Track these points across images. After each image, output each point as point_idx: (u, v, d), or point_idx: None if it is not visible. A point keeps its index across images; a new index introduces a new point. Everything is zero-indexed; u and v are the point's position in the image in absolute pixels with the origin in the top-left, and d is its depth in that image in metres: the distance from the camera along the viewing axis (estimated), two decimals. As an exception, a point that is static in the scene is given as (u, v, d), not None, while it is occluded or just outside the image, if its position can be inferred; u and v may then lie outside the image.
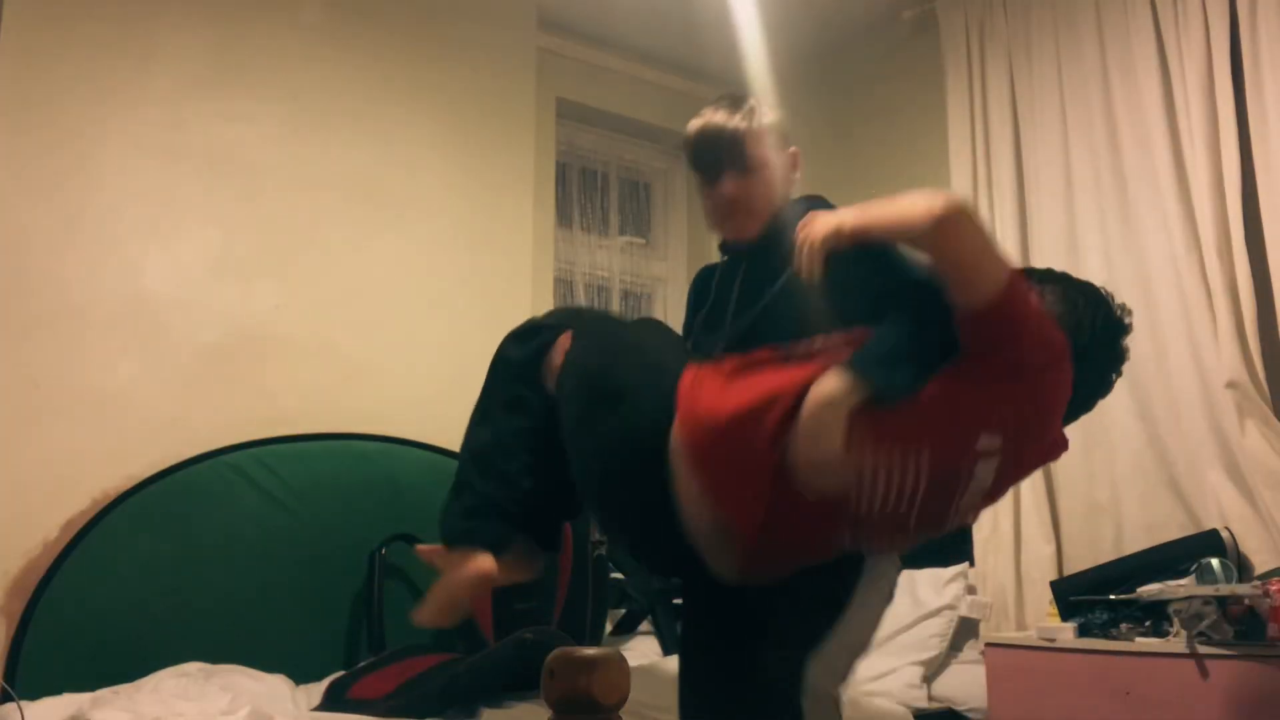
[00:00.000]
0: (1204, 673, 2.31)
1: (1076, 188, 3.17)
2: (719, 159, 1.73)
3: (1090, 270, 3.10)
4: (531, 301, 3.42)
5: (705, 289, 1.83)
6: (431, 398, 3.10)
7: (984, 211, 3.38)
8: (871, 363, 1.42)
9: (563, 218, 3.93)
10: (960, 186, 3.44)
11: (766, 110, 1.78)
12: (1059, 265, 3.11)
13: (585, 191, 4.10)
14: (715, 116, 1.76)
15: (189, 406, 2.75)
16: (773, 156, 1.74)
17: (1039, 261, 3.23)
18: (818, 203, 1.71)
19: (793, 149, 1.80)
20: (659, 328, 1.84)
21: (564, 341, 1.67)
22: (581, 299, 3.96)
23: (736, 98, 1.81)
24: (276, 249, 2.96)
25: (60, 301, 2.61)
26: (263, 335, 2.89)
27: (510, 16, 3.54)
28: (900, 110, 3.83)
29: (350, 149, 3.12)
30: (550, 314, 1.86)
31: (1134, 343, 3.18)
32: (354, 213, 3.10)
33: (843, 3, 3.77)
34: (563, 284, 3.92)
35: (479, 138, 3.39)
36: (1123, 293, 2.98)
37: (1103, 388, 1.65)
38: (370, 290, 3.10)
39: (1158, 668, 2.38)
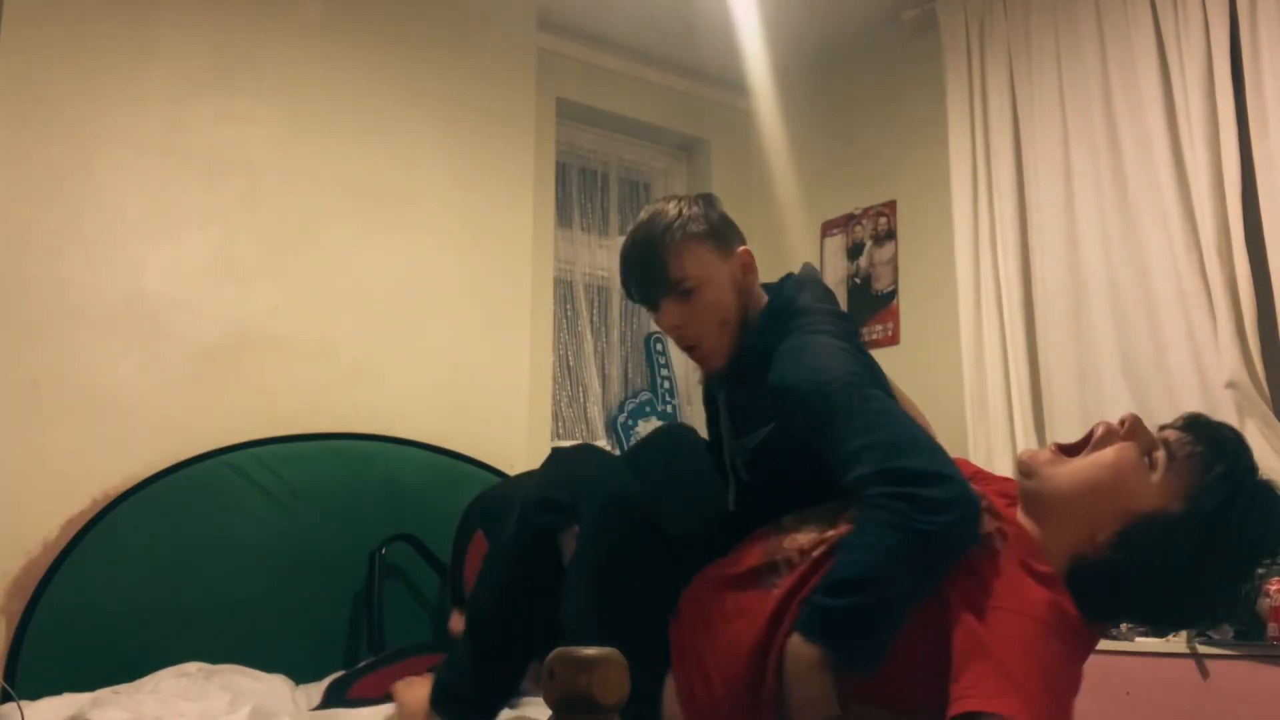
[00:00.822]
0: (1204, 673, 2.30)
1: (1076, 187, 3.17)
2: (646, 286, 1.57)
3: (1090, 270, 3.09)
4: (531, 301, 3.42)
5: (712, 403, 1.68)
6: (431, 398, 3.11)
7: (984, 211, 3.38)
8: (831, 626, 1.26)
9: (563, 218, 3.93)
10: (960, 186, 3.44)
11: (704, 213, 1.58)
12: (1059, 265, 3.18)
13: (585, 191, 4.10)
14: (639, 232, 1.58)
15: (189, 406, 2.75)
16: (712, 270, 1.55)
17: (1039, 261, 3.23)
18: (784, 307, 1.54)
19: (741, 250, 1.61)
20: (678, 463, 1.66)
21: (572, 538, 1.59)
22: (581, 299, 3.96)
23: (664, 207, 1.58)
24: (276, 249, 2.96)
25: (60, 301, 2.61)
26: (263, 335, 2.89)
27: (510, 16, 3.54)
28: (900, 110, 3.83)
29: (350, 149, 3.12)
30: (558, 477, 1.66)
31: (1134, 342, 3.16)
32: (354, 213, 3.10)
33: (843, 3, 3.77)
34: (563, 284, 3.92)
35: (479, 138, 3.39)
36: (1123, 293, 3.03)
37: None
38: (370, 290, 3.10)
39: (1158, 668, 2.38)
